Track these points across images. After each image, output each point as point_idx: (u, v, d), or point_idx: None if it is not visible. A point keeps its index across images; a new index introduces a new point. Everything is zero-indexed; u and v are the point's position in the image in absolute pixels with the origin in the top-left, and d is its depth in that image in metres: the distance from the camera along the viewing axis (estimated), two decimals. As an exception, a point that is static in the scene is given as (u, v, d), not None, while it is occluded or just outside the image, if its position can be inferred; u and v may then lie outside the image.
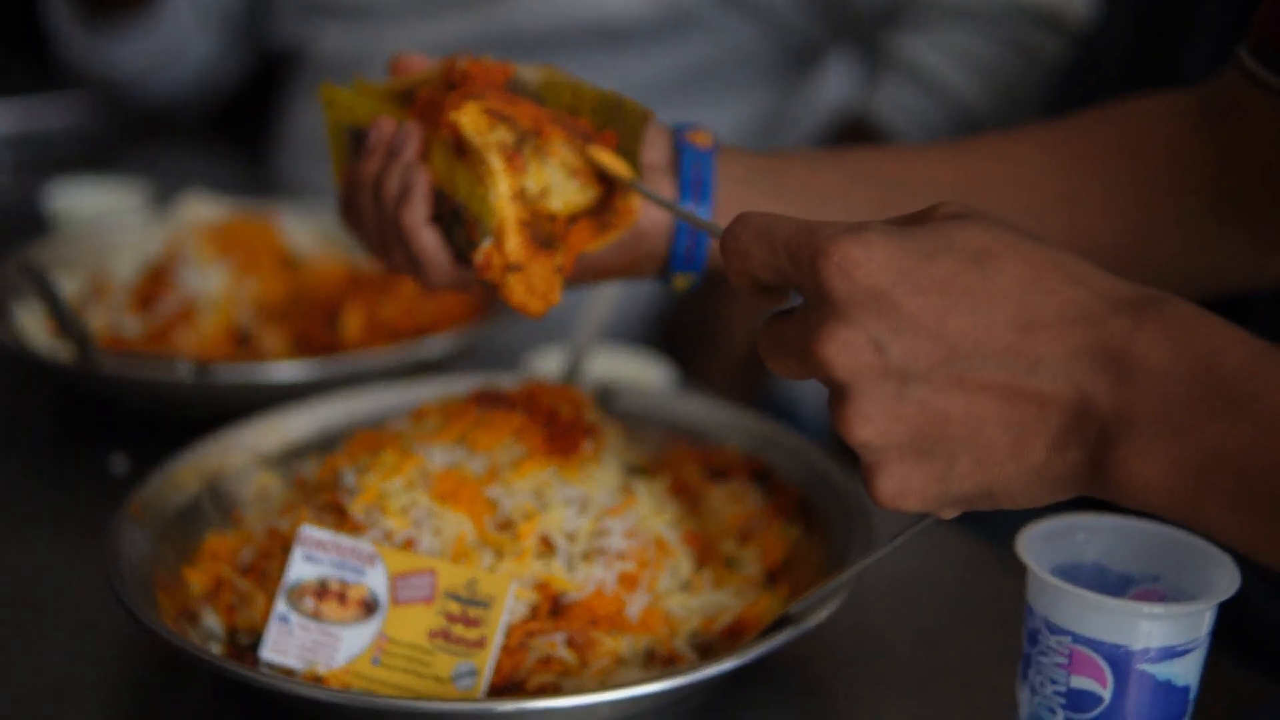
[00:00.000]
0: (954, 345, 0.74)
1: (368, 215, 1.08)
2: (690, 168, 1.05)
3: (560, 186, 1.00)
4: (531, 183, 0.99)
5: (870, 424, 0.75)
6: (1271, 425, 0.69)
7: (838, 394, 0.76)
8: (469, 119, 1.00)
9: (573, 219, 1.01)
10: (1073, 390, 0.73)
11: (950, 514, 0.79)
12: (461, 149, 1.01)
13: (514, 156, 0.99)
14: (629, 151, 1.02)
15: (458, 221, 1.02)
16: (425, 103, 1.06)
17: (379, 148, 1.06)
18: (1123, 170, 1.11)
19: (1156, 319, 0.73)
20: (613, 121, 1.03)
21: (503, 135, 0.99)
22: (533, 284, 0.99)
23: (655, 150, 1.05)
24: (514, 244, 0.99)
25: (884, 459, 0.77)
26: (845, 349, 0.75)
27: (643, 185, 1.01)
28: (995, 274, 0.75)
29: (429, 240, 1.04)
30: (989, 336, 0.74)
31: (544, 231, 1.00)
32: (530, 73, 1.06)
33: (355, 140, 1.11)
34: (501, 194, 0.99)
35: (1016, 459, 0.75)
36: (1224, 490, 0.70)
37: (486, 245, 0.99)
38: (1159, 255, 1.11)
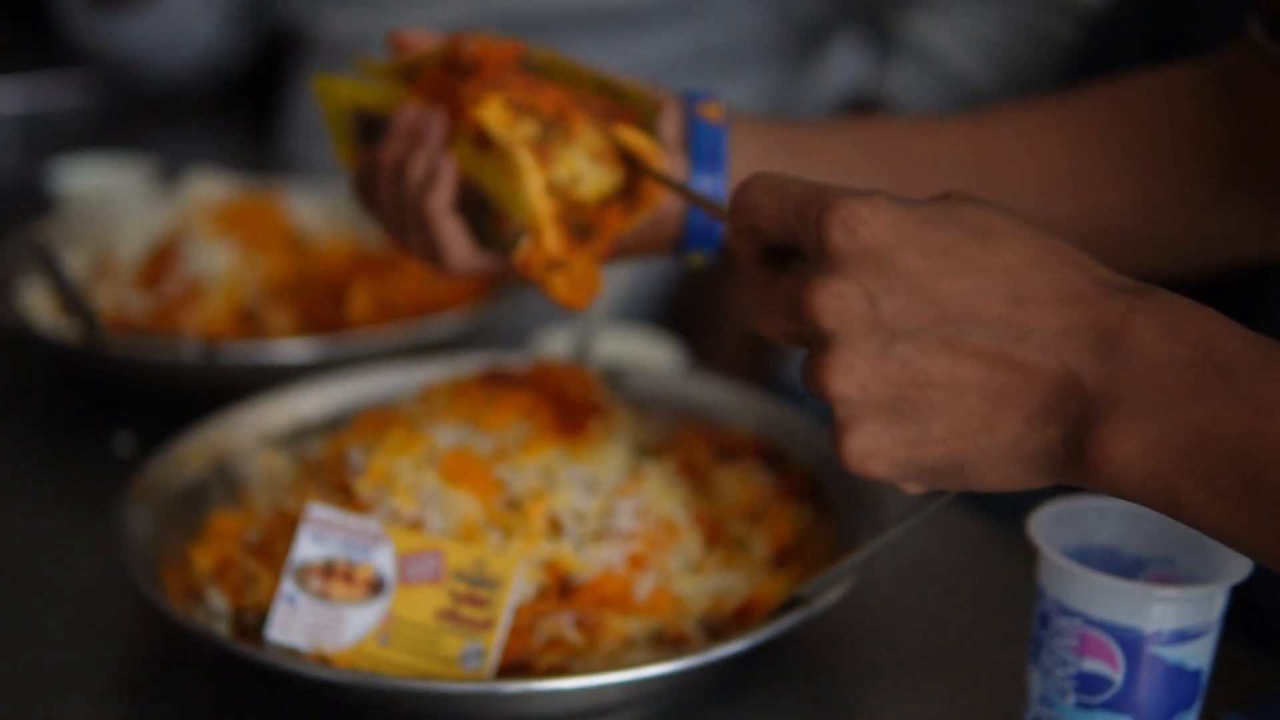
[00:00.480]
0: (946, 308, 0.74)
1: (386, 199, 1.07)
2: (704, 143, 1.04)
3: (588, 172, 0.99)
4: (562, 173, 0.99)
5: (851, 376, 0.75)
6: (1265, 409, 0.68)
7: (823, 344, 0.76)
8: (493, 115, 0.98)
9: (604, 204, 1.00)
10: (1060, 365, 0.73)
11: (914, 487, 0.78)
12: (485, 140, 1.00)
13: (542, 149, 0.98)
14: (648, 128, 1.01)
15: (485, 211, 1.02)
16: (434, 85, 1.05)
17: (401, 133, 1.05)
18: (1134, 148, 1.11)
19: (1152, 304, 0.72)
20: (622, 99, 1.02)
21: (529, 128, 0.98)
22: (575, 279, 0.99)
23: (668, 125, 1.04)
24: (552, 240, 0.98)
25: (858, 415, 0.76)
26: (838, 298, 0.75)
27: (661, 172, 1.00)
28: (997, 248, 0.75)
29: (452, 229, 1.04)
30: (982, 304, 0.74)
31: (579, 222, 0.99)
32: (537, 53, 1.05)
33: (364, 125, 1.10)
34: (534, 190, 0.98)
35: (992, 430, 0.74)
36: (1205, 473, 0.69)
37: (525, 244, 0.98)
38: (1169, 231, 1.11)
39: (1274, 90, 1.06)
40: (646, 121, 1.02)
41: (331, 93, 1.11)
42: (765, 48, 2.00)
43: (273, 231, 1.56)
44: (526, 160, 0.98)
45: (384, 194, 1.07)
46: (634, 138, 1.00)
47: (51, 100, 2.54)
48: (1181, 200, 1.10)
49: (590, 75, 1.03)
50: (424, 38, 1.08)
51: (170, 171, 1.94)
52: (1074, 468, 0.73)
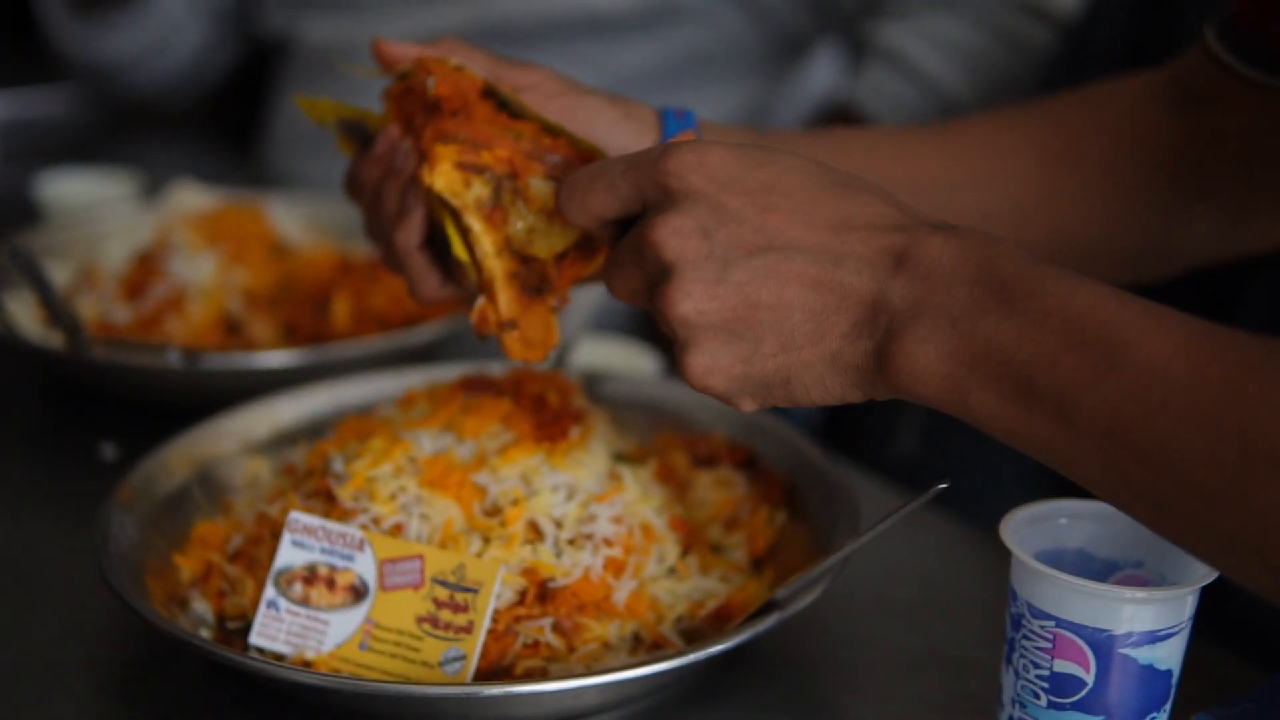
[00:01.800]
0: (772, 237, 0.84)
1: (368, 214, 1.09)
2: None
3: (542, 232, 1.00)
4: (516, 232, 1.00)
5: (690, 300, 0.84)
6: (1037, 320, 0.77)
7: (665, 275, 0.85)
8: (443, 181, 0.99)
9: (559, 257, 1.01)
10: (872, 285, 0.82)
11: (749, 405, 0.87)
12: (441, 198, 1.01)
13: (493, 213, 0.99)
14: None
15: (450, 255, 1.03)
16: (403, 109, 1.06)
17: (382, 158, 1.06)
18: (1102, 160, 1.13)
19: (950, 232, 0.82)
20: (578, 146, 1.03)
21: (479, 191, 0.99)
22: (529, 337, 1.01)
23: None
24: (505, 300, 1.00)
25: (698, 336, 0.85)
26: (675, 233, 0.84)
27: None
28: (814, 184, 0.85)
29: (421, 263, 1.06)
30: (805, 232, 0.83)
31: (534, 278, 1.00)
32: (502, 87, 1.05)
33: (355, 133, 1.10)
34: (487, 252, 0.99)
35: (815, 344, 0.84)
36: (989, 377, 0.79)
37: (480, 303, 1.00)
38: (1133, 242, 1.14)
39: (1230, 99, 1.08)
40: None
41: (314, 108, 1.11)
42: (745, 56, 2.01)
43: (255, 242, 1.57)
44: (478, 225, 0.99)
45: (365, 211, 1.09)
46: None
47: (37, 112, 2.54)
48: (1145, 213, 1.13)
49: (543, 119, 1.03)
50: (406, 50, 1.08)
51: (154, 185, 1.94)
52: (880, 379, 0.83)
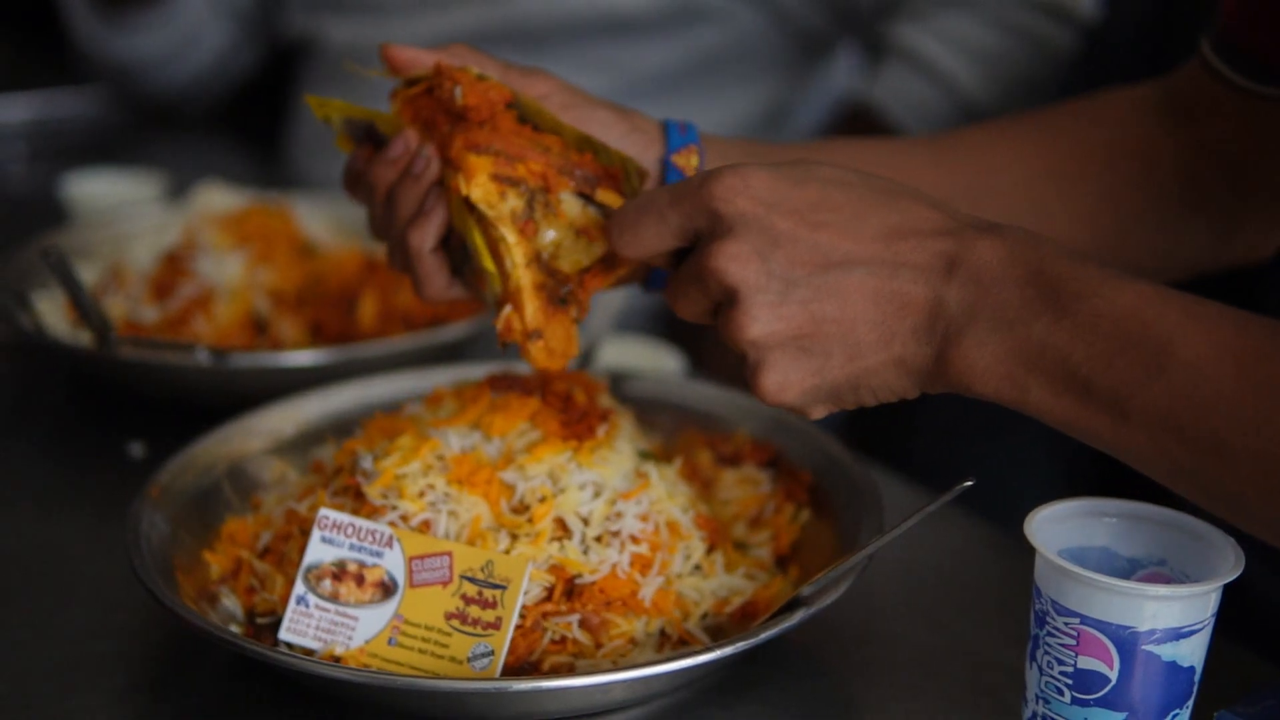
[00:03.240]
0: (827, 253, 0.87)
1: (376, 213, 1.10)
2: None
3: (569, 248, 1.02)
4: (545, 246, 1.02)
5: (757, 324, 0.87)
6: (1088, 323, 0.82)
7: (730, 301, 0.88)
8: (480, 192, 1.02)
9: (583, 270, 1.03)
10: (930, 292, 0.86)
11: (820, 413, 0.91)
12: (470, 205, 1.02)
13: (526, 225, 1.02)
14: (631, 194, 1.03)
15: (467, 256, 1.05)
16: (423, 114, 1.07)
17: (398, 162, 1.07)
18: (1094, 174, 1.15)
19: (998, 234, 0.86)
20: (606, 159, 1.04)
21: (514, 203, 1.01)
22: (552, 347, 1.03)
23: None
24: (532, 310, 1.02)
25: (768, 356, 0.88)
26: (733, 260, 0.87)
27: None
28: (858, 196, 0.88)
29: (433, 264, 1.07)
30: (858, 245, 0.87)
31: (559, 289, 1.03)
32: (524, 98, 1.06)
33: (365, 134, 1.11)
34: (518, 263, 1.01)
35: (880, 351, 0.87)
36: (1046, 375, 0.83)
37: (506, 312, 1.02)
38: (1125, 253, 1.15)
39: (1223, 110, 1.10)
40: (628, 181, 1.04)
41: (323, 106, 1.12)
42: (764, 58, 2.01)
43: (282, 241, 1.58)
44: (511, 236, 1.01)
45: (374, 210, 1.09)
46: (615, 202, 1.03)
47: (63, 114, 2.55)
48: (1138, 224, 1.14)
49: (572, 130, 1.05)
50: (417, 55, 1.09)
51: (179, 186, 1.95)
52: (940, 379, 0.88)
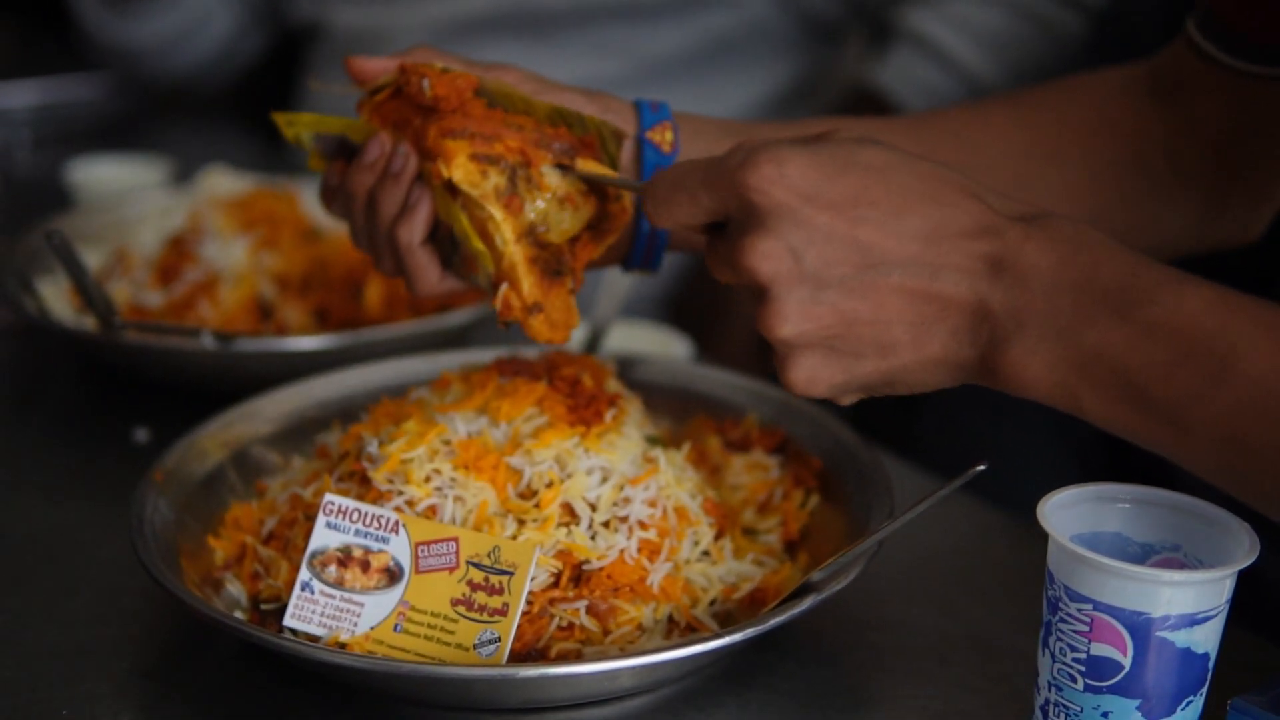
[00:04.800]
0: (864, 253, 0.84)
1: (357, 223, 1.10)
2: (652, 171, 1.07)
3: (556, 219, 1.03)
4: (533, 219, 1.02)
5: (788, 323, 0.85)
6: (1146, 332, 0.80)
7: (759, 297, 0.86)
8: (461, 173, 1.02)
9: (573, 239, 1.03)
10: (971, 294, 0.84)
11: (849, 401, 0.90)
12: (453, 189, 1.02)
13: (510, 200, 1.02)
14: (611, 159, 1.05)
15: (455, 245, 1.05)
16: (394, 115, 1.07)
17: (375, 165, 1.07)
18: (1079, 152, 1.15)
19: (1045, 231, 0.83)
20: (581, 128, 1.05)
21: (496, 180, 1.02)
22: (553, 319, 1.03)
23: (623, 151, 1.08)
24: (529, 285, 1.02)
25: (797, 353, 0.87)
26: (766, 258, 0.85)
27: (627, 190, 1.04)
28: (899, 189, 0.85)
29: (423, 258, 1.07)
30: (898, 245, 0.84)
31: (553, 261, 1.03)
32: (490, 83, 1.06)
33: (337, 148, 1.11)
34: (508, 239, 1.01)
35: (916, 351, 0.86)
36: (1101, 384, 0.82)
37: (503, 290, 1.02)
38: (1109, 230, 1.14)
39: (1209, 89, 1.10)
40: (604, 147, 1.05)
41: (292, 125, 1.13)
42: (773, 42, 2.01)
43: (287, 226, 1.57)
44: (498, 213, 1.02)
45: (355, 219, 1.09)
46: (595, 169, 1.03)
47: (68, 99, 2.55)
48: (1121, 203, 1.14)
49: (543, 105, 1.05)
50: (381, 63, 1.09)
51: (184, 171, 1.95)
52: (987, 377, 0.86)
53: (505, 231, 1.01)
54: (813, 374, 0.87)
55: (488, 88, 1.06)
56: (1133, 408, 0.82)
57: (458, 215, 1.03)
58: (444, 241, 1.07)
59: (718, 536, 1.07)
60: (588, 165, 1.03)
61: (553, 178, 1.02)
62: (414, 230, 1.06)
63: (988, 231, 0.84)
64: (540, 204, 1.02)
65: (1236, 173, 1.13)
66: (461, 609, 0.98)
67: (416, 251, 1.07)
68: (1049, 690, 0.90)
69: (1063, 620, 0.88)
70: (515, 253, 1.02)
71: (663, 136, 1.07)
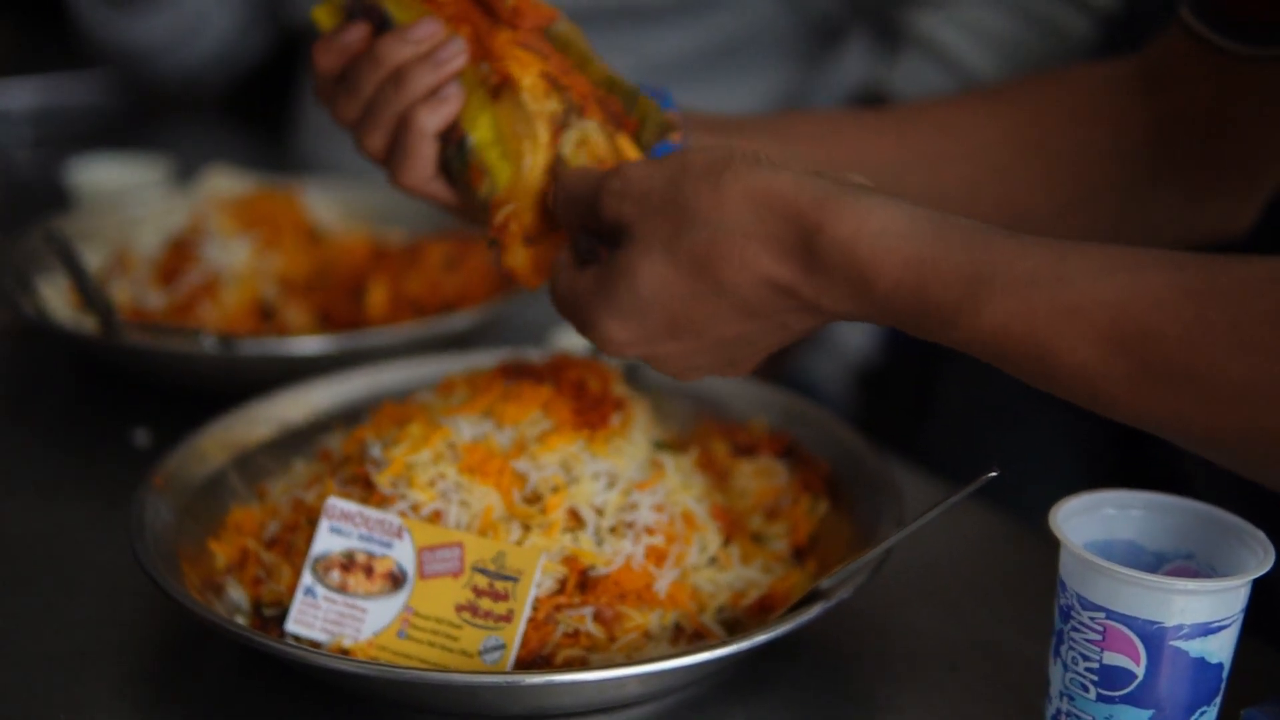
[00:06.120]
0: (707, 347, 0.92)
1: (363, 90, 1.07)
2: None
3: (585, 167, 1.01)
4: (565, 157, 1.00)
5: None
6: (962, 344, 0.83)
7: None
8: (530, 80, 1.01)
9: None
10: (800, 326, 0.90)
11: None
12: (497, 94, 1.01)
13: (558, 131, 1.00)
14: (644, 147, 1.03)
15: (460, 155, 1.03)
16: (457, 12, 1.05)
17: (413, 41, 1.05)
18: (1062, 141, 1.15)
19: (837, 272, 0.84)
20: (630, 107, 1.04)
21: (554, 106, 1.01)
22: (540, 262, 1.02)
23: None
24: (535, 216, 1.01)
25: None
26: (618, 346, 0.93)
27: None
28: (696, 299, 0.89)
29: (428, 149, 1.06)
30: (728, 330, 0.90)
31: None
32: (561, 25, 1.06)
33: (363, 11, 1.09)
34: (538, 165, 1.00)
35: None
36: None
37: (508, 209, 1.01)
38: (1095, 221, 1.16)
39: (1201, 74, 1.11)
40: (640, 133, 1.04)
41: None
42: (780, 44, 2.00)
43: (290, 227, 1.57)
44: (544, 135, 1.00)
45: (362, 84, 1.07)
46: (631, 150, 1.02)
47: (68, 98, 2.54)
48: (1108, 192, 1.15)
49: (600, 70, 1.04)
50: None
51: (185, 171, 1.94)
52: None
53: (539, 157, 1.01)
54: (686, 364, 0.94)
55: (557, 31, 1.05)
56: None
57: (484, 123, 1.02)
58: (444, 145, 1.05)
59: (725, 542, 1.06)
60: (625, 144, 1.02)
61: (598, 135, 1.01)
62: (436, 117, 1.04)
63: (784, 292, 0.87)
64: (578, 150, 1.01)
65: (1223, 162, 1.13)
66: (466, 615, 0.97)
67: (426, 139, 1.05)
68: (1060, 700, 0.89)
69: (1075, 629, 0.87)
70: (536, 181, 1.01)
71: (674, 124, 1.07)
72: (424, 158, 1.06)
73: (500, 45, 1.03)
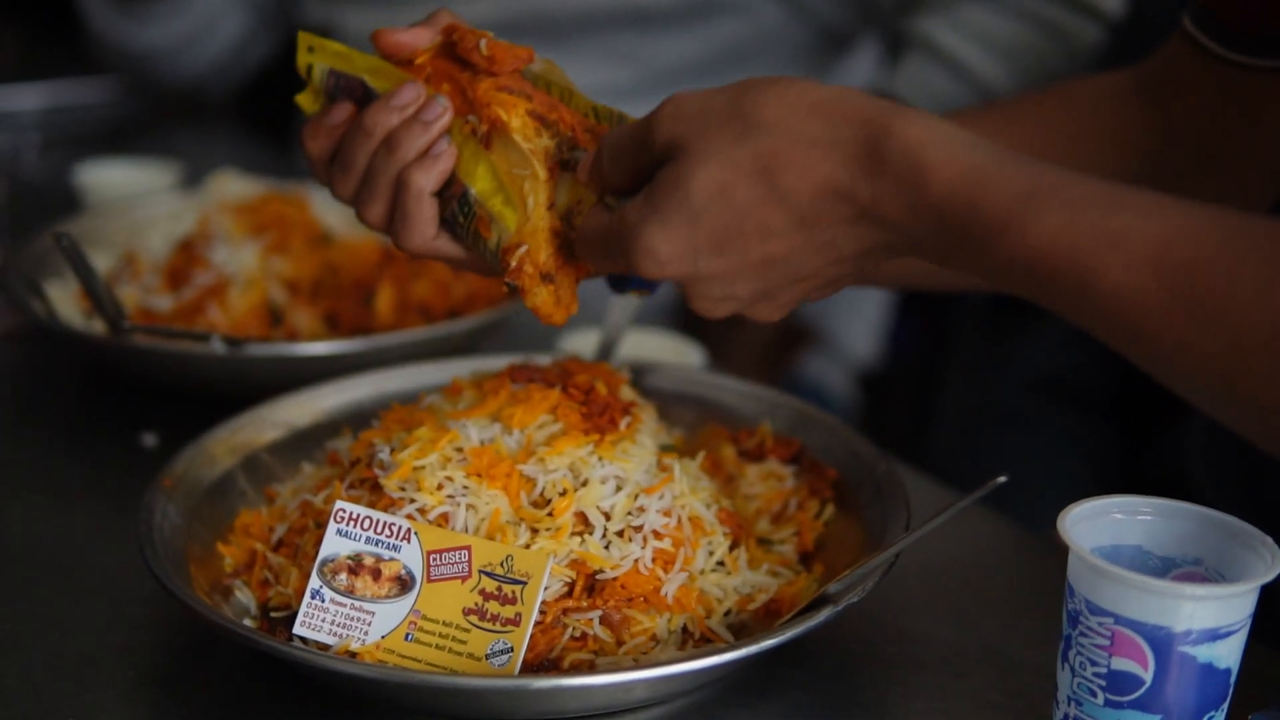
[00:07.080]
0: (761, 266, 0.91)
1: (355, 162, 1.07)
2: None
3: (584, 200, 1.01)
4: (562, 191, 1.01)
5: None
6: (1004, 264, 0.85)
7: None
8: (518, 121, 1.01)
9: None
10: (857, 242, 0.90)
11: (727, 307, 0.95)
12: (489, 142, 1.01)
13: (554, 167, 1.01)
14: None
15: (465, 208, 1.03)
16: (435, 71, 1.06)
17: (398, 107, 1.05)
18: (1064, 156, 1.14)
19: (893, 173, 0.86)
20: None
21: (546, 142, 1.01)
22: (560, 295, 1.02)
23: None
24: (548, 254, 1.01)
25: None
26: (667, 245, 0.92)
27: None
28: (757, 203, 0.90)
29: (428, 210, 1.05)
30: (780, 244, 0.90)
31: (569, 243, 1.02)
32: (539, 63, 1.06)
33: (346, 92, 1.09)
34: (541, 203, 1.01)
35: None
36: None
37: (522, 251, 1.01)
38: None
39: (1202, 84, 1.11)
40: None
41: (319, 48, 1.11)
42: (785, 51, 2.00)
43: (298, 230, 1.56)
44: (542, 172, 1.01)
45: (355, 157, 1.07)
46: None
47: (77, 102, 2.55)
48: None
49: (584, 100, 1.04)
50: (413, 35, 1.07)
51: (193, 175, 1.94)
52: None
53: (541, 194, 1.01)
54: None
55: (535, 70, 1.05)
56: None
57: (482, 173, 1.02)
58: (452, 200, 1.05)
59: (732, 547, 1.06)
60: None
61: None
62: (431, 176, 1.04)
63: (842, 197, 0.88)
64: (574, 185, 1.01)
65: (1223, 173, 1.14)
66: (474, 618, 0.97)
67: (425, 200, 1.05)
68: (1068, 705, 0.89)
69: (1083, 634, 0.87)
70: (543, 218, 1.01)
71: None
72: (425, 218, 1.06)
73: (483, 93, 1.03)
